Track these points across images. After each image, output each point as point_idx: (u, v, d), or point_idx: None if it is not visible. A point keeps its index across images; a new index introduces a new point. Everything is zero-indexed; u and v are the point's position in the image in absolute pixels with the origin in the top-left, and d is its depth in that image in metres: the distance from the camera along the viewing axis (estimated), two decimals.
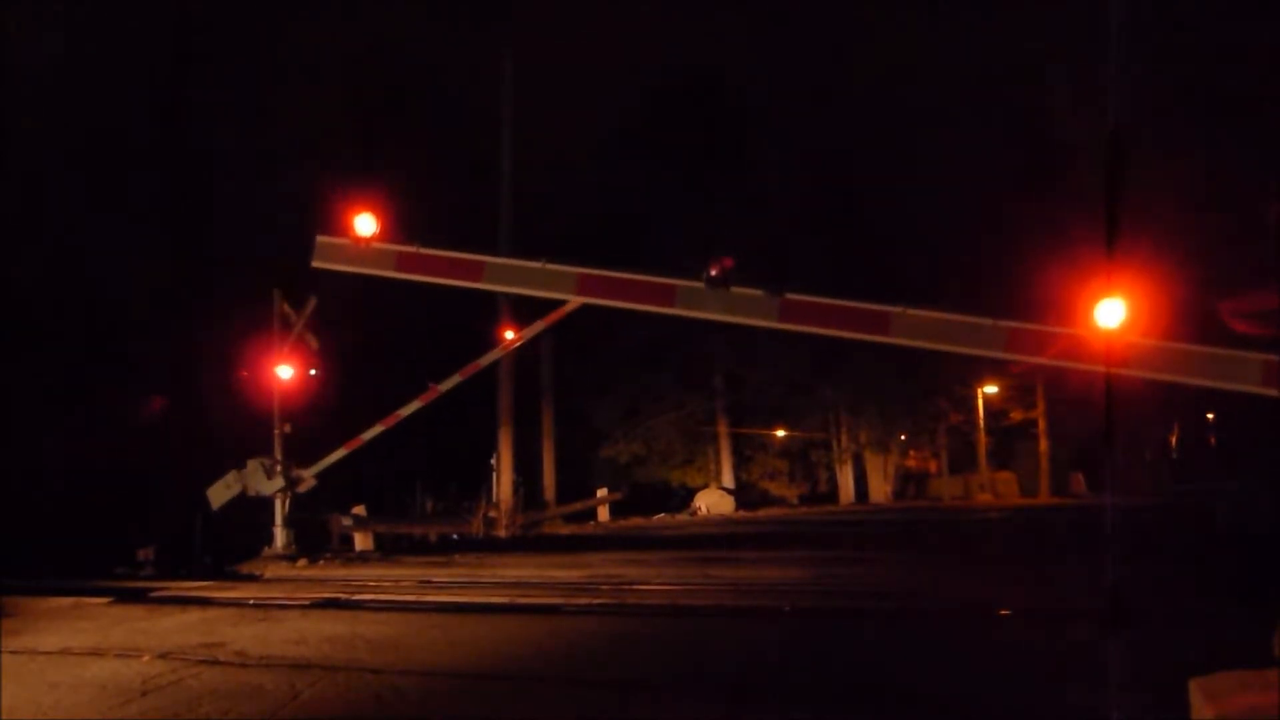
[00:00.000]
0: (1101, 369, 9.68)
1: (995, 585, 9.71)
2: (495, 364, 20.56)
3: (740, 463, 36.33)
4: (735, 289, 11.00)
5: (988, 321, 10.40)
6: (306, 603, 9.08)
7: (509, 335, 16.32)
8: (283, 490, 13.53)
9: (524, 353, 20.91)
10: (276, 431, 13.65)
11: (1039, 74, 24.79)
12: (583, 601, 8.85)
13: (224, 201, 23.34)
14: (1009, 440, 38.27)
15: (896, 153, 29.10)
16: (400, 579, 10.94)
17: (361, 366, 19.67)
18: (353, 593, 9.69)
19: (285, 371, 13.65)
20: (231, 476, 13.51)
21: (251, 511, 13.86)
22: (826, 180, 30.17)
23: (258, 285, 14.26)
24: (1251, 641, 4.35)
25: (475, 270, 12.57)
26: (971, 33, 27.06)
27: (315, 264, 12.77)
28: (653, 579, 10.41)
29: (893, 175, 29.23)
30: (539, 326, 13.58)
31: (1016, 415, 37.22)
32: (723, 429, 35.61)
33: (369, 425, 13.87)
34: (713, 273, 10.76)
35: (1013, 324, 10.37)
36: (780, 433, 37.05)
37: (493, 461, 22.04)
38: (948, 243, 28.45)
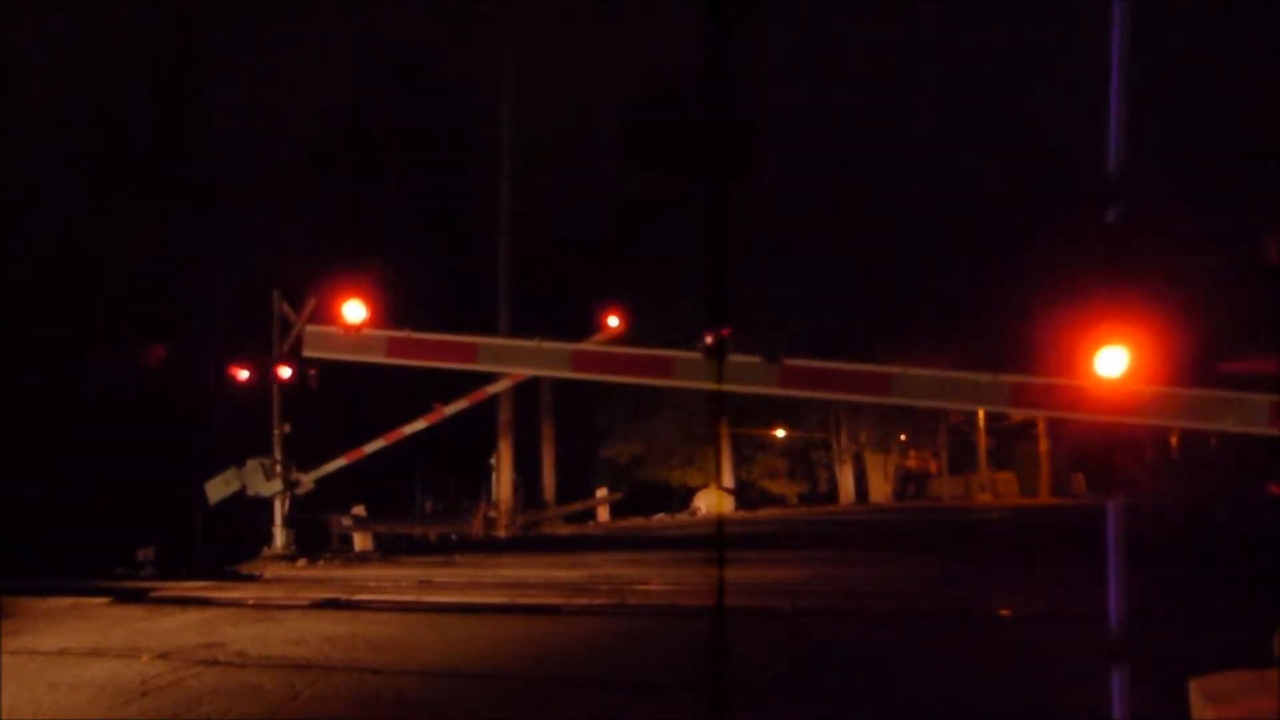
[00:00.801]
0: (1106, 418, 9.69)
1: (995, 585, 9.71)
2: None
3: (740, 462, 36.32)
4: (733, 357, 10.95)
5: (988, 377, 10.41)
6: (306, 603, 9.08)
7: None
8: (281, 493, 13.52)
9: None
10: (276, 431, 13.64)
11: (1035, 88, 24.51)
12: (583, 601, 8.85)
13: (224, 200, 23.33)
14: (1009, 440, 38.27)
15: (893, 178, 28.72)
16: (400, 579, 10.94)
17: (362, 365, 19.66)
18: (352, 593, 9.69)
19: (285, 371, 13.65)
20: (231, 473, 13.50)
21: (251, 511, 13.85)
22: (828, 187, 29.95)
23: (258, 285, 14.26)
24: (1251, 641, 4.35)
25: (468, 352, 12.58)
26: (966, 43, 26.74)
27: (306, 354, 12.77)
28: (653, 579, 10.41)
29: (892, 198, 28.91)
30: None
31: (1017, 415, 37.21)
32: (723, 429, 35.58)
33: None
34: (708, 341, 10.61)
35: (1014, 378, 10.39)
36: (780, 433, 37.04)
37: (492, 461, 22.03)
38: (946, 286, 28.32)
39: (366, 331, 12.22)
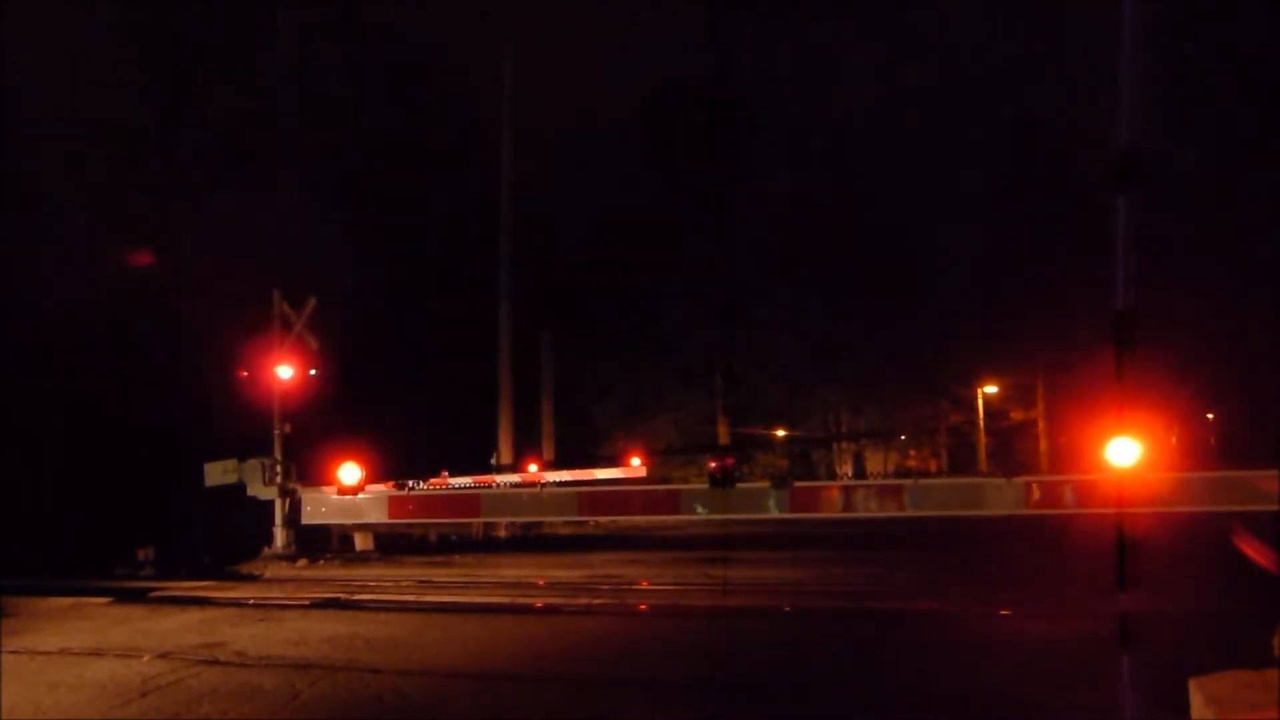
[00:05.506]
0: (1119, 509, 9.74)
1: (995, 585, 9.71)
2: (495, 363, 20.76)
3: (741, 462, 36.37)
4: (741, 485, 11.07)
5: (1001, 480, 10.63)
6: (306, 603, 9.09)
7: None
8: (277, 497, 13.50)
9: (524, 352, 21.11)
10: (276, 432, 13.62)
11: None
12: (583, 601, 8.86)
13: (224, 199, 23.31)
14: (1009, 440, 38.29)
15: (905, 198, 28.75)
16: (400, 579, 10.95)
17: (362, 368, 19.68)
18: (353, 593, 9.70)
19: (285, 371, 13.65)
20: (232, 464, 13.48)
21: (252, 511, 13.84)
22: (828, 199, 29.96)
23: (258, 285, 14.26)
24: (1251, 641, 4.35)
25: (472, 505, 12.59)
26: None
27: (305, 522, 12.78)
28: (653, 579, 10.41)
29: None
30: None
31: (1016, 415, 37.23)
32: (723, 429, 35.63)
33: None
34: (712, 466, 10.84)
35: (1027, 478, 10.60)
36: (780, 433, 37.08)
37: (492, 461, 22.05)
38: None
39: (365, 493, 12.10)
